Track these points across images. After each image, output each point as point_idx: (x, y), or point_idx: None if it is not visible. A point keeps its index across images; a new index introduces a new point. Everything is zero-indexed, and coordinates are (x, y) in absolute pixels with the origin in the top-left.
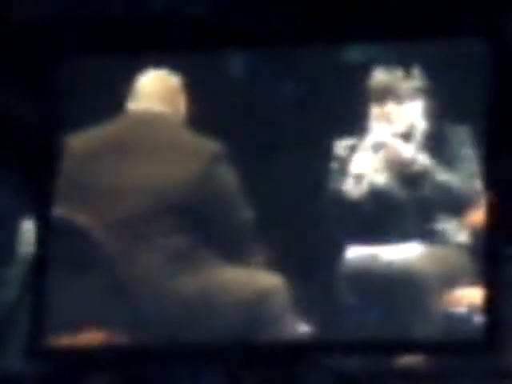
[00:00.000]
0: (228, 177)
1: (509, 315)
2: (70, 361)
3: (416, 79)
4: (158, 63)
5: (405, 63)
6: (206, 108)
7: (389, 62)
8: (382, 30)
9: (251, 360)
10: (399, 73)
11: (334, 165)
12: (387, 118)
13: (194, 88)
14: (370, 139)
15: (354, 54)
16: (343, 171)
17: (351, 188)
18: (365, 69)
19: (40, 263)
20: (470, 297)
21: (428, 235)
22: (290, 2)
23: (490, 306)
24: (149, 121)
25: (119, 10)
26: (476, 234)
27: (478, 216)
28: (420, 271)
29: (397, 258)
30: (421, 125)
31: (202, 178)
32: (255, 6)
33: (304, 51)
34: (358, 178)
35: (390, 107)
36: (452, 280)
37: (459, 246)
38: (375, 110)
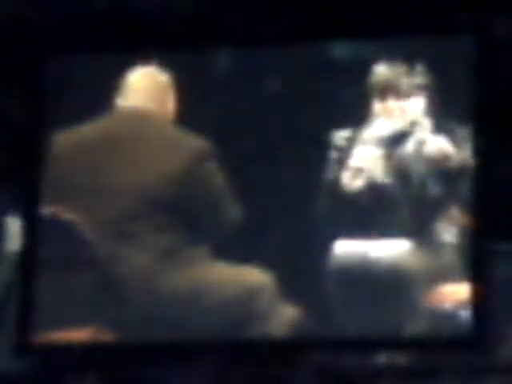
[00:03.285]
0: (216, 174)
1: (496, 311)
2: (58, 359)
3: (418, 75)
4: (146, 60)
5: (407, 59)
6: (195, 105)
7: (391, 57)
8: (383, 26)
9: (240, 357)
10: (401, 68)
11: (328, 160)
12: (388, 114)
13: (183, 85)
14: (369, 134)
15: (354, 49)
16: (337, 168)
17: (344, 182)
18: (366, 64)
19: (28, 261)
20: (457, 293)
21: (416, 232)
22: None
23: (478, 302)
24: (137, 118)
25: (107, 6)
26: (464, 230)
27: (466, 213)
28: (408, 268)
29: (385, 254)
30: (422, 121)
31: (190, 176)
32: (247, 3)
33: (300, 47)
34: (354, 172)
35: (392, 103)
36: (440, 276)
37: (447, 242)
38: (376, 106)
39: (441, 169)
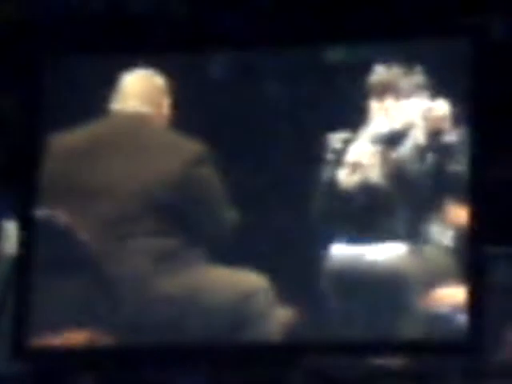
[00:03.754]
0: (212, 177)
1: (491, 315)
2: (55, 361)
3: (416, 76)
4: (142, 63)
5: (404, 61)
6: (191, 108)
7: (389, 59)
8: (381, 28)
9: (235, 360)
10: (399, 69)
11: (326, 162)
12: (386, 114)
13: (178, 88)
14: (367, 132)
15: (351, 52)
16: (333, 170)
17: (341, 180)
18: (363, 67)
19: (24, 263)
20: (453, 297)
21: (413, 235)
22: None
23: (473, 305)
24: (133, 121)
25: (104, 9)
26: (460, 233)
27: (462, 216)
28: (404, 270)
29: (381, 257)
30: (418, 122)
31: (186, 179)
32: (243, 6)
33: (298, 50)
34: (351, 168)
35: (390, 103)
36: (436, 280)
37: (443, 245)
38: (374, 106)
39: (438, 171)
